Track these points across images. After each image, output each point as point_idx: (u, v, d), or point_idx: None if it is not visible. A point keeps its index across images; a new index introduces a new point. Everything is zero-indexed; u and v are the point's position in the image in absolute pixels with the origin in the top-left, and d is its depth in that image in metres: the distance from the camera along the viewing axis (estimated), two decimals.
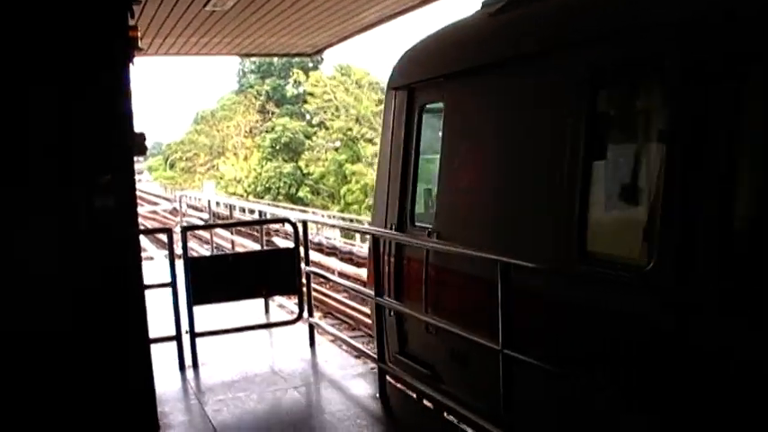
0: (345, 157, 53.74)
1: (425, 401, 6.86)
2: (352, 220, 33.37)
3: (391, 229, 7.32)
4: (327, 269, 20.09)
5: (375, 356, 6.71)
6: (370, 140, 52.60)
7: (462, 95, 6.52)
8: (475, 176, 6.21)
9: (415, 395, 6.91)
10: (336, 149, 55.71)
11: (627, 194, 4.95)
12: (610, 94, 5.07)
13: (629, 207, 4.97)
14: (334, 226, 31.88)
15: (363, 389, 6.85)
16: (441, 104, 6.78)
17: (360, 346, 8.03)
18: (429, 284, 6.54)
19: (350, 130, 54.62)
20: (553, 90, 5.26)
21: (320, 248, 26.24)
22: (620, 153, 5.08)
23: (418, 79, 7.22)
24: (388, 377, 6.80)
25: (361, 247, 25.08)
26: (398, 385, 7.13)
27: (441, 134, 6.73)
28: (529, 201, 5.44)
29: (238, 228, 26.85)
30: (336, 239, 28.34)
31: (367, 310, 14.43)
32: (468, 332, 5.34)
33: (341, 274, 19.79)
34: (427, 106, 7.18)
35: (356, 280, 18.43)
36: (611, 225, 5.09)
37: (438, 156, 6.84)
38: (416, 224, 7.15)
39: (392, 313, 7.16)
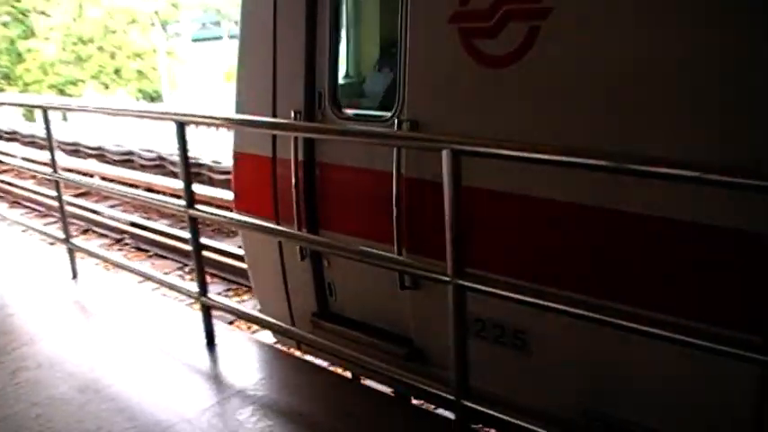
0: (18, 33, 49.43)
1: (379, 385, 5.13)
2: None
3: (297, 119, 4.75)
4: (7, 155, 18.91)
5: (65, 238, 6.66)
6: (43, 12, 48.71)
7: None
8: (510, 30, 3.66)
9: (350, 374, 5.31)
10: (5, 25, 50.82)
11: None
12: None
13: None
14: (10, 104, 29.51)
15: (57, 272, 6.83)
16: None
17: (51, 232, 7.91)
18: (404, 211, 4.27)
19: (18, 1, 49.99)
20: None
21: None
22: None
23: None
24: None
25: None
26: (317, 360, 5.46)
27: None
28: (676, 68, 3.23)
29: None
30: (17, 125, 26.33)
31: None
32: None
33: (24, 159, 18.73)
34: None
35: (39, 163, 17.59)
36: None
37: None
38: (347, 110, 4.74)
39: (308, 253, 4.98)
